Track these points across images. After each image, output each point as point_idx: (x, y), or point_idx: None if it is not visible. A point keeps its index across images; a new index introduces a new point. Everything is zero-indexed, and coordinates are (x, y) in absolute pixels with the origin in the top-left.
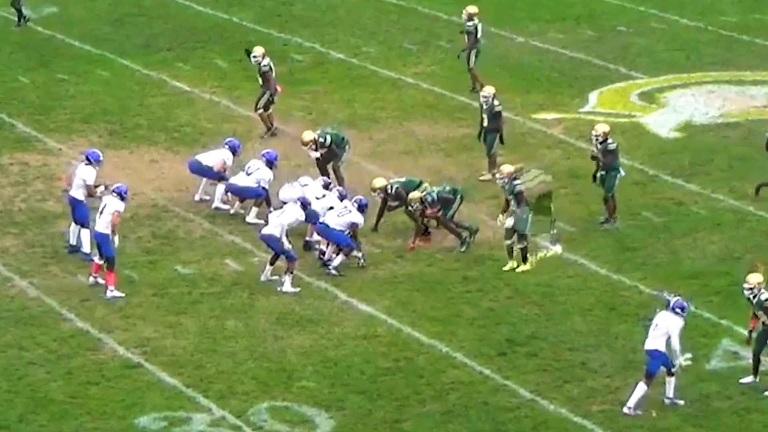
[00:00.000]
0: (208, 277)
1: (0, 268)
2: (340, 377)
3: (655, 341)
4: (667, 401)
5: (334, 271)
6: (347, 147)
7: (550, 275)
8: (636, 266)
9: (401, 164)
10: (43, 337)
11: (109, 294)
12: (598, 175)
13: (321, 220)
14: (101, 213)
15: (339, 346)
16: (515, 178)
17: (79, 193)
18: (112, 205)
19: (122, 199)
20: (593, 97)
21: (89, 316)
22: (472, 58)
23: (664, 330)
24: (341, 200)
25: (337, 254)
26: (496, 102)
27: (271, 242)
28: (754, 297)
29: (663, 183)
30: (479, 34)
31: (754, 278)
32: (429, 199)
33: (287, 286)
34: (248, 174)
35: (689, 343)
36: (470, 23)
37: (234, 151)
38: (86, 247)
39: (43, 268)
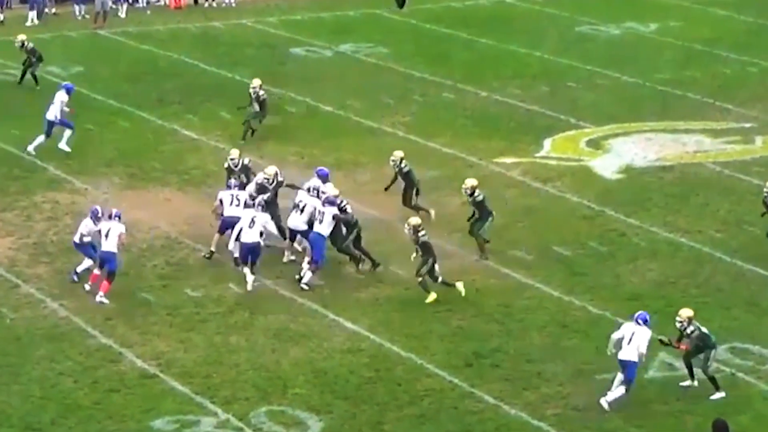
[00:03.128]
0: (214, 299)
1: (34, 292)
2: (328, 385)
3: (627, 352)
4: (603, 402)
5: (306, 287)
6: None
7: (510, 297)
8: (585, 289)
9: (379, 202)
10: (71, 351)
11: (98, 299)
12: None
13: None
14: (107, 236)
15: (328, 359)
16: (420, 230)
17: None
18: (116, 228)
19: (120, 220)
20: (547, 143)
21: (111, 333)
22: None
23: (636, 341)
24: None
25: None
26: (404, 164)
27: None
28: (683, 329)
29: (608, 217)
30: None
31: (685, 313)
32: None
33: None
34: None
35: None
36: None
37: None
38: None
39: (71, 292)
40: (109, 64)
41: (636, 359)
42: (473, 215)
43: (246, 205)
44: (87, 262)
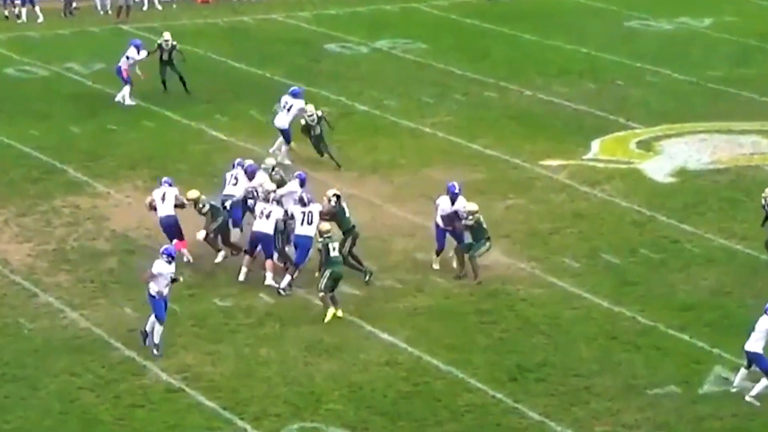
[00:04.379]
0: (244, 309)
1: (54, 301)
2: (364, 400)
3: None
4: (749, 399)
5: (284, 292)
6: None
7: (556, 307)
8: (635, 299)
9: (419, 206)
10: (92, 364)
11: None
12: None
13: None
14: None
15: (363, 372)
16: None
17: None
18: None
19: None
20: (595, 145)
21: (135, 345)
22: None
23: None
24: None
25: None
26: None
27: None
28: None
29: (659, 223)
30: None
31: None
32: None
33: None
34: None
35: (683, 371)
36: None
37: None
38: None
39: (92, 301)
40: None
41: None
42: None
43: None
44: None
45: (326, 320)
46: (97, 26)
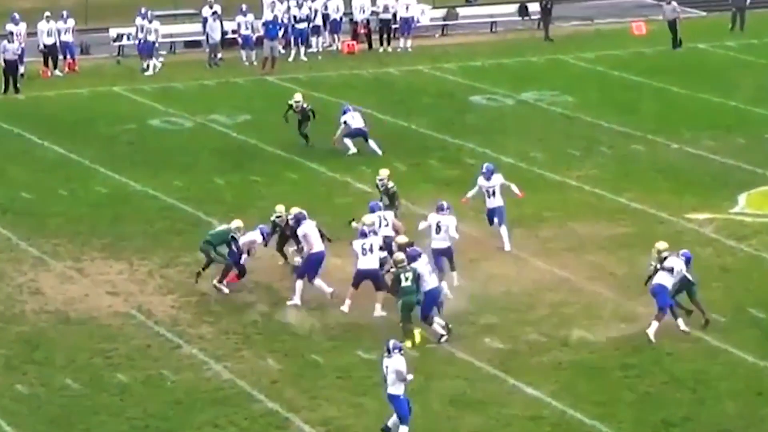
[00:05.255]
0: None
1: (197, 353)
2: None
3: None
4: None
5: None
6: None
7: (702, 362)
8: None
9: (565, 260)
10: (235, 416)
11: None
12: None
13: None
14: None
15: (507, 426)
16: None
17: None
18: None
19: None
20: (742, 198)
21: (278, 397)
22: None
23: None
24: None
25: None
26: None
27: None
28: None
29: None
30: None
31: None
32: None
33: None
34: None
35: None
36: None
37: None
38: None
39: (235, 353)
40: (278, 113)
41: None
42: None
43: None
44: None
45: (416, 343)
46: (242, 77)
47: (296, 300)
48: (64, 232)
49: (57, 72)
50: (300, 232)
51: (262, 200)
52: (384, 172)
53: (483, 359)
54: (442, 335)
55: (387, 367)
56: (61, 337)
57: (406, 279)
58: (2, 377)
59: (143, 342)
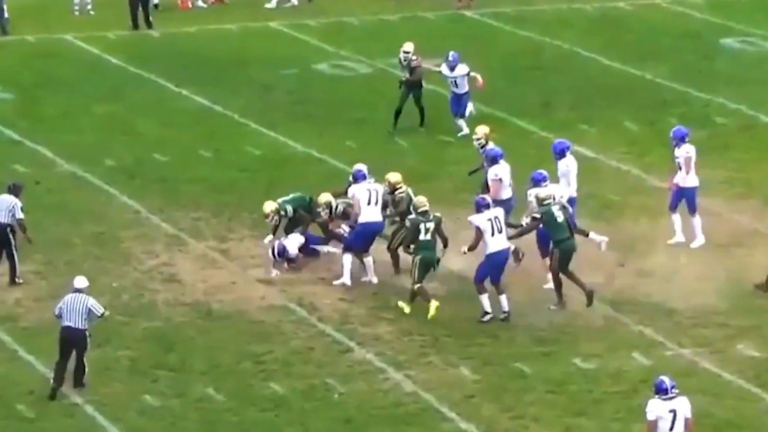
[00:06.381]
0: (612, 373)
1: (372, 359)
2: None
3: None
4: None
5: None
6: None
7: None
8: None
9: None
10: None
11: None
12: None
13: None
14: None
15: None
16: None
17: None
18: None
19: None
20: None
21: (474, 415)
22: None
23: None
24: None
25: None
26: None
27: None
28: None
29: None
30: None
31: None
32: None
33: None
34: None
35: None
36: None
37: None
38: None
39: (421, 359)
40: (478, 56)
41: None
42: None
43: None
44: None
45: (430, 316)
46: (431, 11)
47: (345, 279)
48: (206, 203)
49: (200, 2)
50: (350, 191)
51: (453, 166)
52: (481, 130)
53: (733, 370)
54: (506, 312)
55: (674, 411)
56: (200, 335)
57: (426, 231)
58: (127, 385)
59: (304, 344)
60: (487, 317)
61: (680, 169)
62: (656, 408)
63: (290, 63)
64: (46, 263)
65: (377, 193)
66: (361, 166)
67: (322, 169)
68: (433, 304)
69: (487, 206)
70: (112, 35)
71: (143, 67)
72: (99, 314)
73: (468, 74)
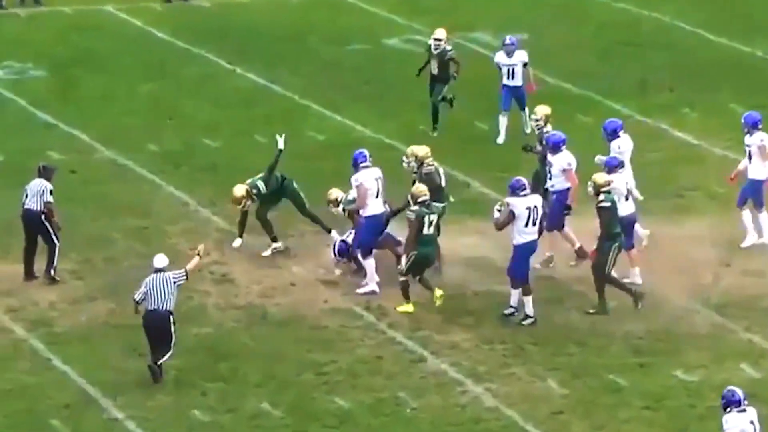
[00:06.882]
0: (717, 385)
1: (448, 369)
2: None
3: None
4: None
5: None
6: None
7: None
8: None
9: None
10: None
11: None
12: None
13: None
14: None
15: None
16: None
17: None
18: None
19: None
20: None
21: None
22: None
23: None
24: None
25: None
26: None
27: None
28: None
29: None
30: None
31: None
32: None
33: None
34: None
35: None
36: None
37: None
38: None
39: (503, 370)
40: (566, 31)
41: None
42: None
43: None
44: None
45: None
46: None
47: (371, 286)
48: None
49: None
50: (354, 179)
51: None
52: (541, 110)
53: None
54: (528, 316)
55: (753, 423)
56: (256, 343)
57: (430, 224)
58: (174, 398)
59: (372, 353)
60: (510, 310)
61: (750, 158)
62: (738, 422)
63: (357, 37)
64: (82, 262)
65: (382, 181)
66: (362, 150)
67: (393, 156)
68: (438, 293)
69: (523, 188)
70: (157, 6)
71: (192, 42)
72: (184, 278)
73: (525, 65)
